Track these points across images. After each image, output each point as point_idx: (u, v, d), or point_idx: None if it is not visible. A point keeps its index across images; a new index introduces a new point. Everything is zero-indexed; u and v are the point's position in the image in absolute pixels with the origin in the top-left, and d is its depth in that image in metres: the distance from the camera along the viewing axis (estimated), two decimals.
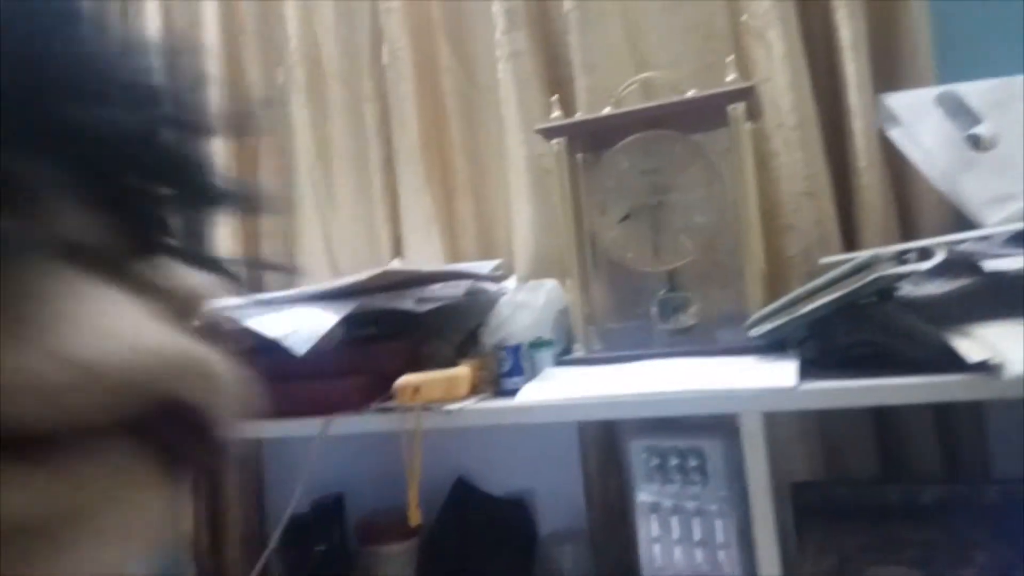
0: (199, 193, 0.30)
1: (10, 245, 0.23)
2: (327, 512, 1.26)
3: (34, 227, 0.25)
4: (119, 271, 0.27)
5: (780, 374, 0.78)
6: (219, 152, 0.33)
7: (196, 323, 0.26)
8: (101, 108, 0.26)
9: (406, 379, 0.89)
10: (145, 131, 0.28)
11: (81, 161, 0.26)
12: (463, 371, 0.95)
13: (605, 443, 1.17)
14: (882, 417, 1.05)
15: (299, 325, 0.89)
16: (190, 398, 0.24)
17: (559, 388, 0.91)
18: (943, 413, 1.02)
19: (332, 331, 0.91)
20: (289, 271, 1.16)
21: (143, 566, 0.25)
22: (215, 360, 0.25)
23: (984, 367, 0.67)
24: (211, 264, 0.30)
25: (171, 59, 0.28)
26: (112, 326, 0.23)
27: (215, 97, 0.28)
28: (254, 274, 0.26)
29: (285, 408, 0.94)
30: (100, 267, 0.26)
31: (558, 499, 1.23)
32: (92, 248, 0.26)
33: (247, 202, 0.33)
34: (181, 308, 0.26)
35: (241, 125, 0.32)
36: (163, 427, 0.24)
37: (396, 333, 1.05)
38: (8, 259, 0.23)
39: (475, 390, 0.97)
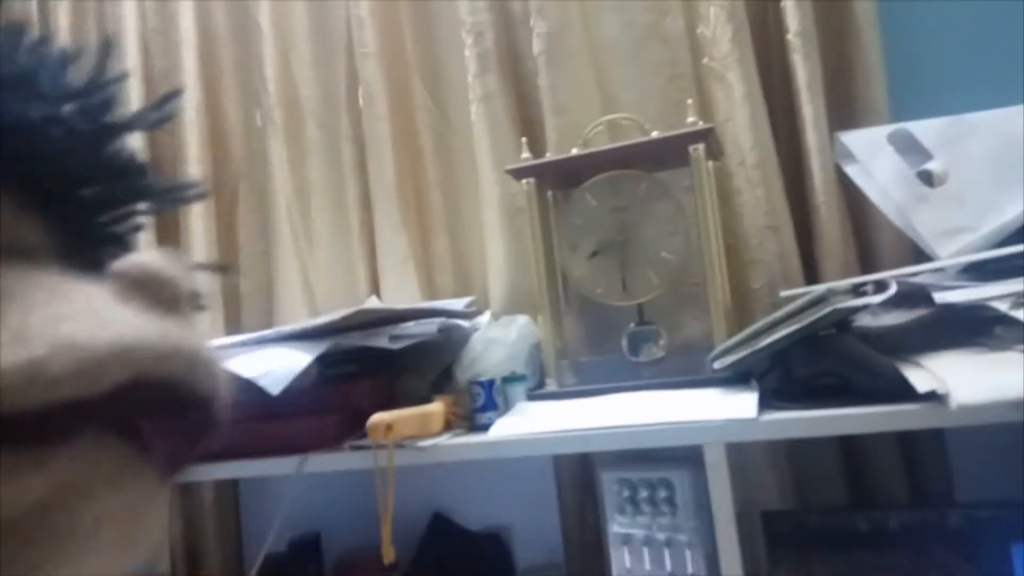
0: (134, 190, 0.30)
1: None
2: (304, 551, 1.26)
3: None
4: (69, 264, 0.27)
5: (742, 406, 0.81)
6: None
7: (163, 300, 0.25)
8: (41, 110, 0.27)
9: (379, 416, 0.90)
10: (91, 144, 0.28)
11: (18, 164, 0.27)
12: (436, 407, 0.96)
13: (580, 476, 1.19)
14: (848, 445, 1.08)
15: (274, 365, 0.90)
16: (165, 372, 0.23)
17: (531, 422, 0.93)
18: (906, 440, 1.05)
19: (307, 370, 0.92)
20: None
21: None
22: (183, 336, 0.24)
23: (933, 396, 0.69)
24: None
25: (97, 62, 0.29)
26: (72, 309, 0.23)
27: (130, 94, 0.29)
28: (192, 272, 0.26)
29: (261, 447, 0.95)
30: (45, 263, 0.27)
31: (535, 533, 1.24)
32: (34, 247, 0.27)
33: (179, 197, 0.33)
34: (142, 289, 0.25)
35: (159, 120, 0.31)
36: (142, 408, 0.24)
37: (371, 371, 1.07)
38: None
39: (449, 426, 0.98)
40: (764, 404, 0.83)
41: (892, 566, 0.93)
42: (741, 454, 0.99)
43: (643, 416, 0.86)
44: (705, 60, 1.14)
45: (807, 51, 1.07)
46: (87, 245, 0.30)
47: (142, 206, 0.31)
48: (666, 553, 0.90)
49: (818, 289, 0.84)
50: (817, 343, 0.84)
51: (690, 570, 0.89)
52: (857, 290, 0.92)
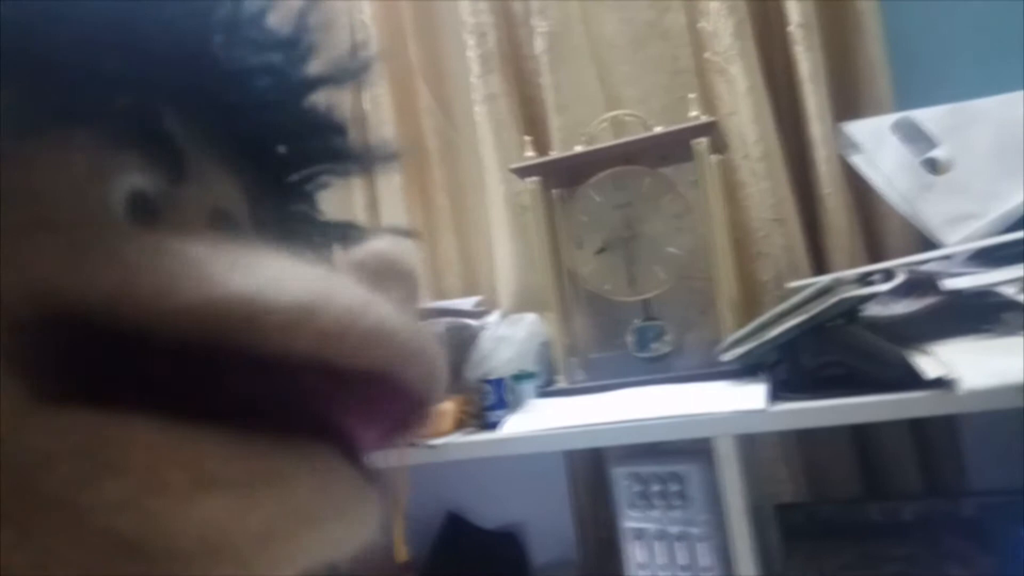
0: (339, 155, 0.28)
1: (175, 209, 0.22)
2: None
3: (196, 193, 0.23)
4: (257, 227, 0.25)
5: (751, 397, 0.81)
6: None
7: (401, 296, 0.22)
8: (256, 79, 0.25)
9: None
10: (294, 97, 0.26)
11: (228, 116, 0.24)
12: (447, 406, 0.97)
13: (593, 472, 1.19)
14: (861, 436, 1.07)
15: None
16: (408, 372, 0.20)
17: (541, 419, 0.93)
18: (919, 429, 1.05)
19: None
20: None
21: None
22: (429, 338, 0.21)
23: (941, 383, 0.69)
24: (341, 230, 0.28)
25: (300, 7, 0.26)
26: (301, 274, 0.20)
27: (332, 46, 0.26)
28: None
29: None
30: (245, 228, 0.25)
31: (549, 530, 1.25)
32: (233, 216, 0.25)
33: (381, 160, 0.30)
34: (382, 280, 0.22)
35: (359, 71, 0.28)
36: (369, 410, 0.21)
37: None
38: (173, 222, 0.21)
39: (460, 424, 0.99)
40: (773, 395, 0.83)
41: (907, 556, 0.92)
42: (753, 447, 0.99)
43: (652, 410, 0.86)
44: (707, 54, 1.14)
45: (809, 43, 1.07)
46: (274, 204, 0.27)
47: (334, 166, 0.28)
48: (679, 547, 0.90)
49: (825, 279, 0.84)
50: (825, 333, 0.84)
51: (703, 563, 0.89)
52: (865, 280, 0.92)
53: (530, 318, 1.12)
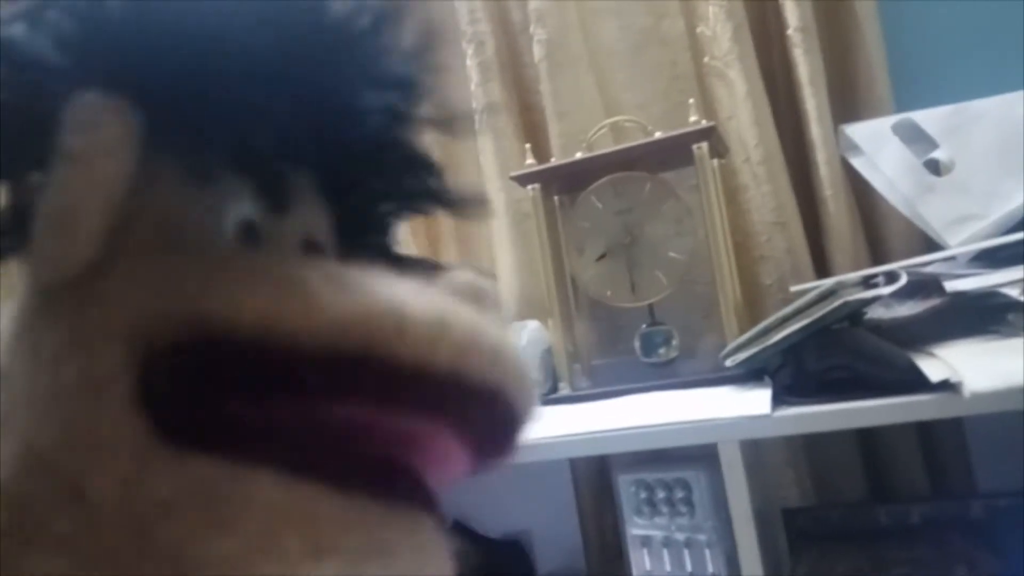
0: (432, 195, 0.28)
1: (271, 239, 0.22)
2: None
3: (293, 223, 0.24)
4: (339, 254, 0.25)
5: (755, 402, 0.80)
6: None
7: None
8: (354, 118, 0.25)
9: None
10: (389, 135, 0.26)
11: (326, 166, 0.25)
12: None
13: (598, 479, 1.19)
14: (868, 439, 1.07)
15: None
16: (511, 389, 0.21)
17: (545, 427, 0.93)
18: (926, 432, 1.04)
19: None
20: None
21: None
22: (516, 350, 0.22)
23: (947, 386, 0.69)
24: (418, 266, 0.28)
25: (415, 45, 0.25)
26: (411, 293, 0.20)
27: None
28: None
29: None
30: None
31: (555, 538, 1.24)
32: (322, 246, 0.25)
33: (467, 204, 0.30)
34: (468, 298, 0.22)
35: (461, 126, 0.29)
36: (475, 422, 0.21)
37: None
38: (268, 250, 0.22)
39: None
40: (778, 400, 0.82)
41: (915, 559, 0.92)
42: (759, 451, 0.99)
43: (656, 416, 0.86)
44: (706, 59, 1.14)
45: (808, 46, 1.07)
46: (357, 235, 0.28)
47: (425, 204, 0.29)
48: (686, 554, 0.90)
49: (827, 283, 0.84)
50: (829, 337, 0.84)
51: (711, 570, 0.88)
52: (868, 282, 0.92)
53: (532, 325, 1.12)
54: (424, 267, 0.28)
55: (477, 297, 0.22)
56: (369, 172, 0.27)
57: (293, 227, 0.24)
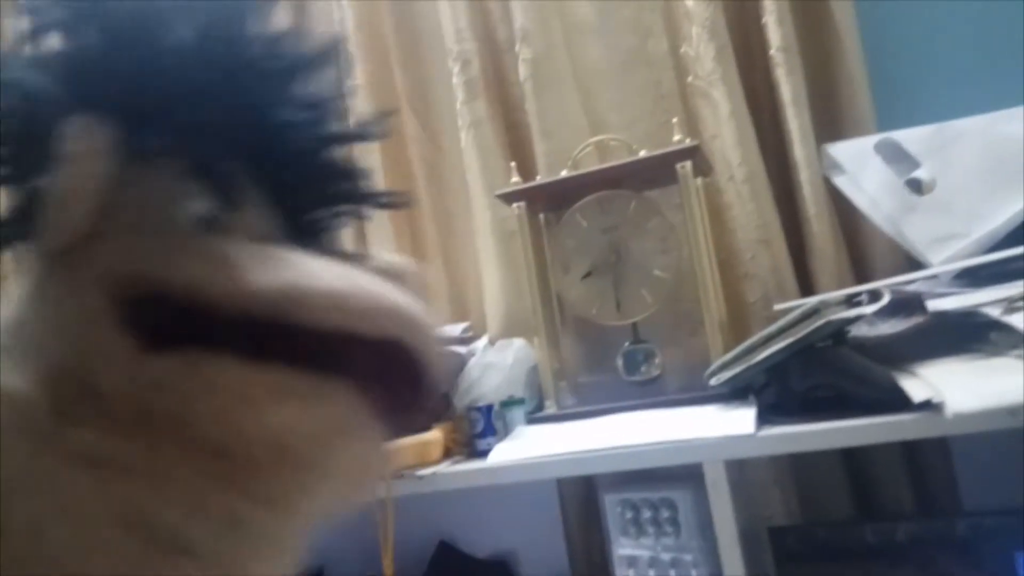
0: (358, 197, 0.34)
1: (219, 227, 0.28)
2: None
3: (244, 221, 0.29)
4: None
5: (740, 422, 0.80)
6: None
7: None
8: (290, 119, 0.31)
9: None
10: (318, 143, 0.32)
11: (268, 168, 0.30)
12: (435, 435, 0.96)
13: (585, 499, 1.18)
14: (853, 458, 1.07)
15: None
16: (410, 340, 0.26)
17: (530, 446, 0.92)
18: (911, 450, 1.04)
19: None
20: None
21: None
22: (432, 319, 0.28)
23: (929, 406, 0.69)
24: (357, 258, 0.33)
25: (332, 69, 0.32)
26: (335, 271, 0.27)
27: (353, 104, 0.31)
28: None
29: None
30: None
31: (541, 558, 1.23)
32: (268, 239, 0.30)
33: (390, 201, 0.35)
34: (392, 277, 0.28)
35: (374, 131, 0.35)
36: (383, 370, 0.27)
37: None
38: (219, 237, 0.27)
39: (448, 453, 0.98)
40: (762, 419, 0.82)
41: None
42: (745, 470, 0.99)
43: (642, 436, 0.85)
44: (690, 79, 1.15)
45: (790, 66, 1.08)
46: (300, 236, 0.33)
47: (353, 207, 0.34)
48: (672, 574, 0.89)
49: (811, 301, 0.84)
50: (813, 356, 0.84)
51: None
52: (851, 300, 0.92)
53: (518, 343, 1.12)
54: (358, 258, 0.33)
55: (396, 275, 0.29)
56: (302, 180, 0.32)
57: (245, 223, 0.29)
